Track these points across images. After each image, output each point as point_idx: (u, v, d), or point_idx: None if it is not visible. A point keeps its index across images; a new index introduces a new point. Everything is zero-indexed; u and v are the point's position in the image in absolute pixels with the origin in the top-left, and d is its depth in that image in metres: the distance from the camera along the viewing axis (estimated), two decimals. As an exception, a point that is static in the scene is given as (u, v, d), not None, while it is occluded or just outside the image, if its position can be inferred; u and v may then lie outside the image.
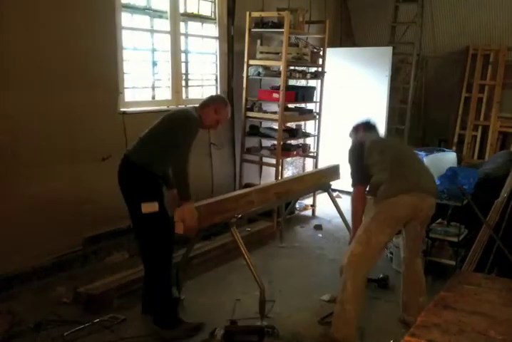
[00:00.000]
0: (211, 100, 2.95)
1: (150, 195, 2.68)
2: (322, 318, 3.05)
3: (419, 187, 2.81)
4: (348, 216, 4.04)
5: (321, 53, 5.13)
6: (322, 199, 5.30)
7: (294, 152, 5.05)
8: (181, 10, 4.33)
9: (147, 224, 2.71)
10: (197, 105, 2.96)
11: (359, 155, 3.01)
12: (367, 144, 3.05)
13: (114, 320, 2.93)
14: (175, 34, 4.27)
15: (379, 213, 2.76)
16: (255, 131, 4.94)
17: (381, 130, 5.74)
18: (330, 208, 4.72)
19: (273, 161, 4.85)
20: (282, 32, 4.49)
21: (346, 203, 4.54)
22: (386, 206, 2.75)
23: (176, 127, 2.73)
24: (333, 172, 4.11)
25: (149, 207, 2.64)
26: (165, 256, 2.79)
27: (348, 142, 6.32)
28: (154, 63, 4.21)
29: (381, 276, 3.56)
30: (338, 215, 4.39)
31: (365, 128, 3.36)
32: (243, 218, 3.22)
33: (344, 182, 4.37)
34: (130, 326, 2.90)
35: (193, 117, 2.80)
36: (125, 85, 3.91)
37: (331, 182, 4.11)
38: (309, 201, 5.41)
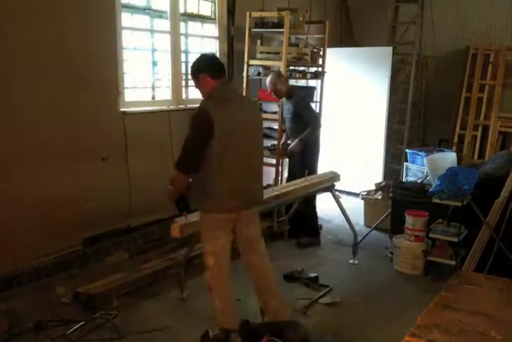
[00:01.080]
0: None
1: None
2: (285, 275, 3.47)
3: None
4: (350, 216, 4.06)
5: (321, 53, 5.13)
6: (322, 199, 5.29)
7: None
8: (181, 10, 4.33)
9: None
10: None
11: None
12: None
13: (107, 316, 2.93)
14: (175, 34, 4.27)
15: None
16: (255, 131, 4.93)
17: (381, 129, 5.79)
18: (330, 208, 4.72)
19: (273, 161, 4.85)
20: (282, 32, 4.49)
21: (346, 203, 4.55)
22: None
23: None
24: (333, 176, 4.10)
25: None
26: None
27: (348, 142, 6.29)
28: (154, 63, 4.21)
29: (313, 275, 3.55)
30: (338, 215, 4.40)
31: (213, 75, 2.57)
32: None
33: (345, 181, 4.39)
34: (129, 325, 2.90)
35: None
36: (125, 85, 3.91)
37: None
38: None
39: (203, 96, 2.65)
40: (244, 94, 4.73)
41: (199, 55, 2.76)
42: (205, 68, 2.56)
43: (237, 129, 2.49)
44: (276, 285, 2.80)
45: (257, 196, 2.71)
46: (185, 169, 2.55)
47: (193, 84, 2.72)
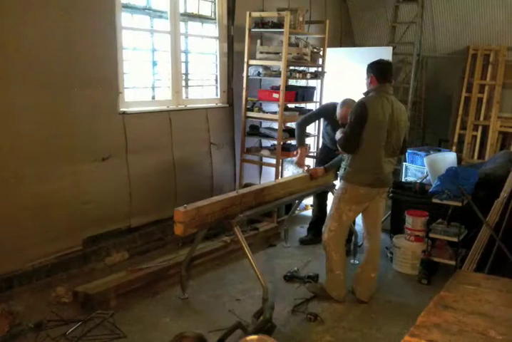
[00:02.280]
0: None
1: None
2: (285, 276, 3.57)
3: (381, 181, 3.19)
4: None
5: (321, 53, 5.13)
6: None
7: (294, 152, 5.04)
8: (181, 10, 4.33)
9: None
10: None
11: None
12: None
13: (104, 315, 2.93)
14: (175, 34, 4.27)
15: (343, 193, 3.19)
16: (255, 131, 4.94)
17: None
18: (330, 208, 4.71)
19: (273, 161, 4.85)
20: (282, 32, 4.50)
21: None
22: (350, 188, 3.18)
23: None
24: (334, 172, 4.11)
25: None
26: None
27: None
28: (154, 63, 4.21)
29: (313, 274, 3.59)
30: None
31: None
32: (245, 218, 3.23)
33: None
34: (129, 325, 2.90)
35: None
36: (125, 85, 3.91)
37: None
38: (309, 201, 5.40)
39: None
40: (244, 94, 4.74)
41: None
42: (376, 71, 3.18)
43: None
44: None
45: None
46: None
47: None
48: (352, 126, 3.07)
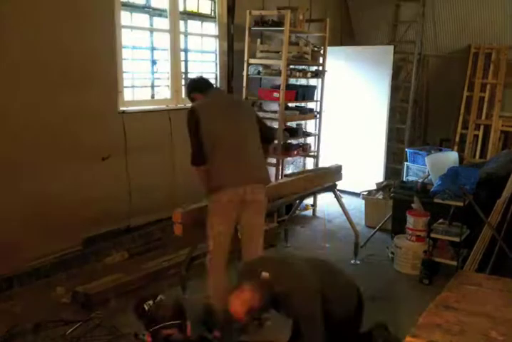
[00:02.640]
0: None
1: None
2: None
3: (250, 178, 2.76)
4: (351, 215, 4.05)
5: (321, 51, 5.11)
6: (322, 199, 5.29)
7: (295, 152, 5.03)
8: (181, 8, 4.32)
9: None
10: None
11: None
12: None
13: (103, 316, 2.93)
14: (174, 33, 4.25)
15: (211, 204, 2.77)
16: (255, 130, 4.92)
17: (383, 129, 5.77)
18: (330, 208, 4.71)
19: (273, 161, 4.84)
20: (283, 31, 4.48)
21: (346, 203, 4.54)
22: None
23: None
24: (336, 172, 4.09)
25: None
26: None
27: (349, 141, 6.30)
28: (153, 62, 4.20)
29: None
30: (338, 215, 4.39)
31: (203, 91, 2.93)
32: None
33: (345, 181, 4.37)
34: (129, 325, 2.88)
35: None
36: (125, 84, 3.90)
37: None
38: (309, 201, 5.39)
39: None
40: (244, 93, 4.72)
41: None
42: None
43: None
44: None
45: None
46: None
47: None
48: (190, 137, 2.76)
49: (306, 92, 5.02)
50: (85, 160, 3.59)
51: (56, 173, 3.43)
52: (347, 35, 6.49)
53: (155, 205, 4.12)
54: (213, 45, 4.74)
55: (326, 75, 5.16)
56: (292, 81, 5.23)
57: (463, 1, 5.72)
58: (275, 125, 4.78)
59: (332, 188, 4.05)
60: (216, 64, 4.76)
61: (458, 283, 2.16)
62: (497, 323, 1.79)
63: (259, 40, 4.73)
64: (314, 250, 4.23)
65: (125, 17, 3.85)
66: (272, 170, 4.91)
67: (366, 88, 5.76)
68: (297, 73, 4.80)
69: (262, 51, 4.70)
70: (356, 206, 5.26)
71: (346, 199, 5.21)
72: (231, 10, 4.64)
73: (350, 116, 5.88)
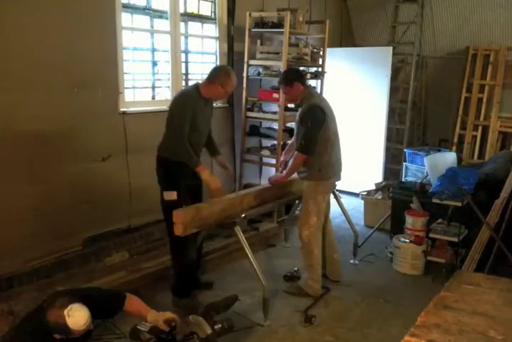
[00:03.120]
0: (215, 77, 3.07)
1: (169, 184, 3.03)
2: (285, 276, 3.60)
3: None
4: (350, 215, 4.07)
5: (321, 53, 5.13)
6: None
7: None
8: (181, 10, 4.33)
9: (166, 211, 3.02)
10: (199, 81, 3.23)
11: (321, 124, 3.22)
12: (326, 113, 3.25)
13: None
14: (175, 34, 4.27)
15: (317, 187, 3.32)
16: (255, 131, 4.94)
17: (382, 129, 5.79)
18: (330, 207, 4.70)
19: (273, 161, 4.85)
20: (282, 32, 4.50)
21: (345, 203, 4.55)
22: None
23: (170, 110, 3.07)
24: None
25: (169, 195, 3.02)
26: (182, 240, 3.00)
27: (348, 141, 6.29)
28: (154, 63, 4.21)
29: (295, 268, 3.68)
30: (337, 215, 4.40)
31: (304, 83, 3.36)
32: (246, 218, 3.23)
33: (344, 181, 4.38)
34: (129, 325, 2.89)
35: (182, 93, 3.11)
36: (125, 85, 3.91)
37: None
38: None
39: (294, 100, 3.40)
40: (244, 94, 4.73)
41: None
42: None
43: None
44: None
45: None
46: None
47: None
48: (312, 130, 3.19)
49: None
50: (86, 160, 3.60)
51: (57, 173, 3.43)
52: (346, 37, 6.51)
53: (156, 205, 4.12)
54: (213, 46, 4.75)
55: (326, 76, 5.18)
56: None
57: (461, 3, 5.74)
58: (275, 125, 4.80)
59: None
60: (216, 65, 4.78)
61: (456, 282, 2.17)
62: (496, 323, 1.80)
63: (259, 42, 4.75)
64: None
65: (125, 19, 3.86)
66: (272, 170, 4.93)
67: (365, 89, 5.78)
68: (297, 74, 4.81)
69: (261, 52, 4.72)
70: (355, 206, 5.27)
71: (345, 199, 5.22)
72: (231, 12, 4.66)
73: (349, 117, 5.89)
